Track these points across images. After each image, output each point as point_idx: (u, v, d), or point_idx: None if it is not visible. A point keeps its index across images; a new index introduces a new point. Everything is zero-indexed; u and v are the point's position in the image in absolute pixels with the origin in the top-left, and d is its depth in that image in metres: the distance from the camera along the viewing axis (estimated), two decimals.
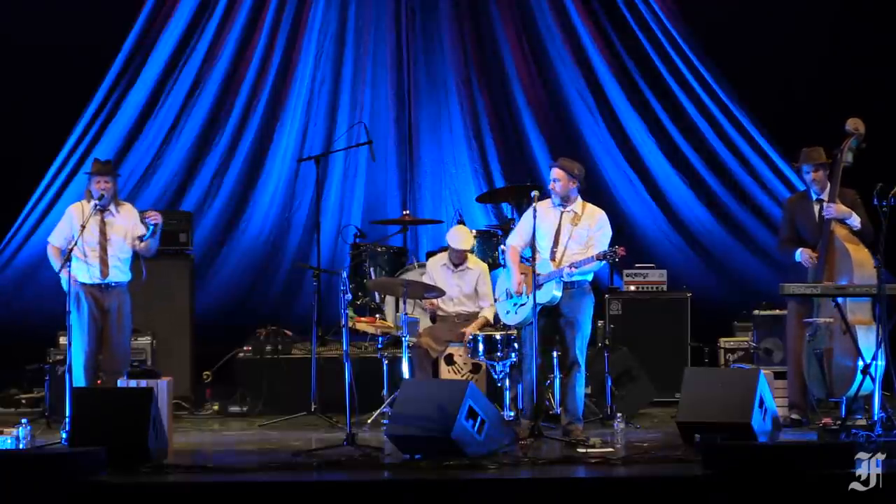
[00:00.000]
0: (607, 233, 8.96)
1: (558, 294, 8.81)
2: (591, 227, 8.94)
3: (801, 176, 9.30)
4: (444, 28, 12.68)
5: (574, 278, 8.79)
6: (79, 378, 8.99)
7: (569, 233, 8.89)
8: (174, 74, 12.34)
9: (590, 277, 8.97)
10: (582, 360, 8.94)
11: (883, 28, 11.70)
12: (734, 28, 12.01)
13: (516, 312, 9.07)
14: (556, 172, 8.99)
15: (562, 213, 8.97)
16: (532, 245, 8.92)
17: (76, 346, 8.99)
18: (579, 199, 9.02)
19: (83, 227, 9.06)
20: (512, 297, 9.07)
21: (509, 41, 12.61)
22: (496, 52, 12.63)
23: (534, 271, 8.78)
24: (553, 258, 8.88)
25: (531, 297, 8.80)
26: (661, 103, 12.37)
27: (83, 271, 9.07)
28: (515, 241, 9.12)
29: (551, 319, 8.88)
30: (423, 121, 12.69)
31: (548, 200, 9.07)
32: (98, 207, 9.19)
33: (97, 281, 9.15)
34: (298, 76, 12.58)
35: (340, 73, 12.64)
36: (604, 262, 8.75)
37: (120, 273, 9.22)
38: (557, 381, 9.43)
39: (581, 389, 8.98)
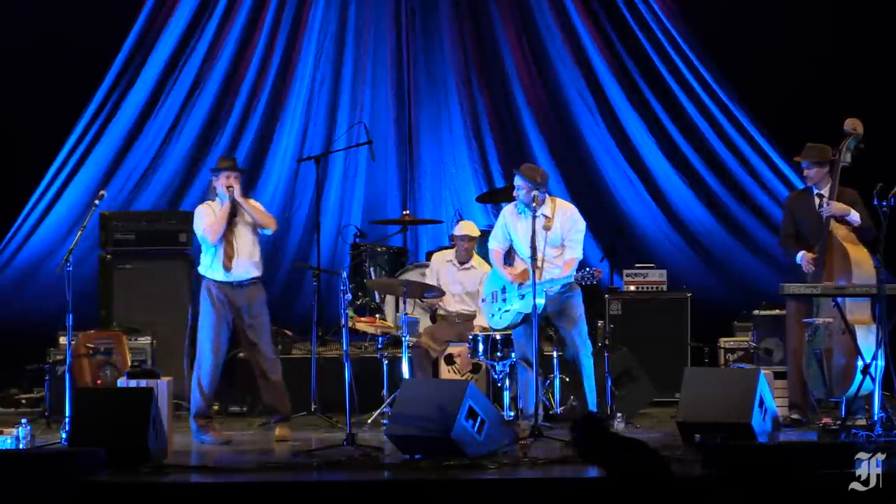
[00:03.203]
0: (581, 228, 9.05)
1: (541, 301, 8.82)
2: (564, 225, 8.97)
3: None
4: (444, 28, 12.68)
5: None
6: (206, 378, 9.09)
7: (544, 238, 8.88)
8: (174, 74, 12.34)
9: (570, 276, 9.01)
10: (586, 351, 9.01)
11: (882, 28, 11.69)
12: (734, 28, 12.01)
13: (500, 318, 9.09)
14: (517, 181, 9.01)
15: (533, 218, 8.93)
16: (511, 249, 9.12)
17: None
18: (548, 199, 9.04)
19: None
20: (496, 300, 9.05)
21: (509, 41, 12.61)
22: (496, 52, 12.63)
23: (533, 271, 8.80)
24: (533, 265, 8.88)
25: (513, 305, 8.94)
26: (661, 103, 12.37)
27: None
28: (496, 245, 9.19)
29: (540, 322, 8.88)
30: (423, 121, 12.70)
31: (514, 204, 9.13)
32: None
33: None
34: (298, 76, 12.58)
35: (340, 73, 12.64)
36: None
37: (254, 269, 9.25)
38: (557, 381, 9.49)
39: (591, 382, 9.06)
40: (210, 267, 9.16)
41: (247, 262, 9.14)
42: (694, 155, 12.35)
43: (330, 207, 12.43)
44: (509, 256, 9.30)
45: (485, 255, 10.63)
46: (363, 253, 11.09)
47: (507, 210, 9.24)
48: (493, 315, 9.15)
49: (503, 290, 9.11)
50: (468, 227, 10.33)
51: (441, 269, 10.26)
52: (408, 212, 11.92)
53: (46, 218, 12.05)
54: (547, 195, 9.08)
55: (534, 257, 8.73)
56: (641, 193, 12.41)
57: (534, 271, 8.68)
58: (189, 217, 11.02)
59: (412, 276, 10.50)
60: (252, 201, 9.33)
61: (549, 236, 8.90)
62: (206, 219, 9.16)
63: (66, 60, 11.73)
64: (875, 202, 8.37)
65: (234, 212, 9.13)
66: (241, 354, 10.59)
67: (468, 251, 10.23)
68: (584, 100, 12.51)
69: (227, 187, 9.10)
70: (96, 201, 9.17)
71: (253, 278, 9.16)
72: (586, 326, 9.11)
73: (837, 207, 8.94)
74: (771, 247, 11.77)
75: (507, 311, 8.98)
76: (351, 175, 12.60)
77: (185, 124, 12.39)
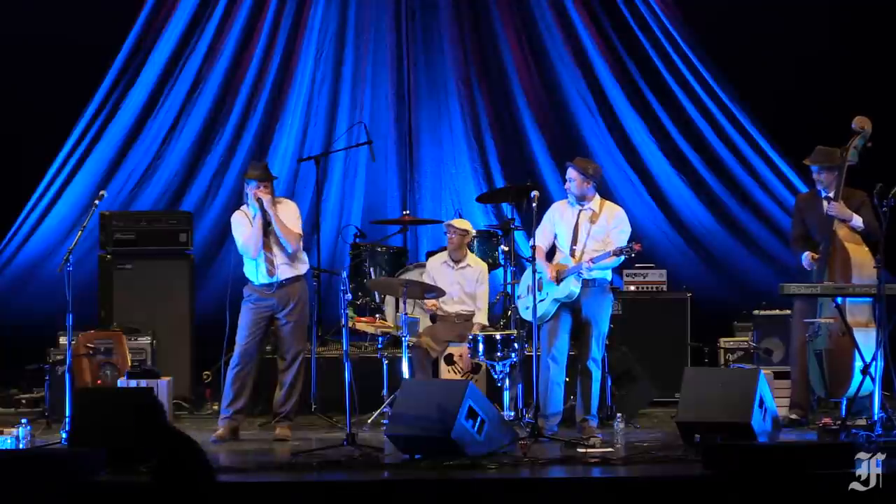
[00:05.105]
0: (625, 230, 9.02)
1: (576, 289, 8.86)
2: (609, 224, 8.99)
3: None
4: (444, 28, 12.68)
5: (593, 275, 8.88)
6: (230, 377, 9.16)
7: (587, 231, 8.96)
8: (174, 74, 12.35)
9: (609, 276, 9.09)
10: (599, 357, 9.02)
11: (884, 27, 11.70)
12: (734, 28, 12.01)
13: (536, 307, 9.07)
14: (570, 172, 9.06)
15: (580, 211, 9.04)
16: (555, 246, 9.08)
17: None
18: (597, 197, 9.09)
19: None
20: (531, 293, 9.01)
21: (509, 41, 12.61)
22: (496, 52, 12.63)
23: (533, 270, 8.82)
24: (572, 255, 8.93)
25: (549, 292, 8.91)
26: (661, 103, 12.37)
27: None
28: (539, 240, 9.13)
29: (570, 317, 8.93)
30: (423, 121, 12.69)
31: (566, 199, 9.13)
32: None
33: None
34: (298, 76, 12.58)
35: (340, 73, 12.64)
36: (622, 257, 8.79)
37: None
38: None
39: (597, 387, 9.04)
40: (251, 271, 9.24)
41: (287, 266, 9.18)
42: (694, 155, 12.35)
43: (330, 207, 12.43)
44: (552, 254, 9.25)
45: (482, 256, 10.65)
46: (363, 253, 11.08)
47: (558, 204, 9.25)
48: (527, 307, 9.07)
49: (540, 282, 9.08)
50: (459, 221, 10.35)
51: (437, 271, 10.25)
52: (408, 212, 11.91)
53: (46, 218, 12.05)
54: (597, 194, 9.11)
55: (574, 243, 8.85)
56: (641, 193, 12.41)
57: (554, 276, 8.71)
58: (189, 217, 11.08)
59: (412, 276, 10.50)
60: (284, 206, 9.25)
61: (593, 229, 8.95)
62: (244, 230, 9.18)
63: (66, 60, 11.72)
64: (875, 202, 8.37)
65: (268, 220, 9.16)
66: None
67: (456, 244, 10.20)
68: (584, 100, 12.51)
69: (256, 199, 9.13)
70: (96, 201, 9.17)
71: (293, 277, 9.21)
72: (607, 331, 9.11)
73: (840, 209, 8.93)
74: (771, 247, 11.78)
75: (542, 300, 8.96)
76: (351, 175, 12.60)
77: (185, 124, 12.39)
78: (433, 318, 10.29)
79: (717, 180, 12.32)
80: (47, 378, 10.04)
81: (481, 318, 10.12)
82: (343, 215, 12.50)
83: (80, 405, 8.16)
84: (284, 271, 9.17)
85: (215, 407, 10.38)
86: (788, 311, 9.52)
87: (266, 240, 9.15)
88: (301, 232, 9.28)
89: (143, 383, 8.61)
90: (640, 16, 12.35)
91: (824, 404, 9.40)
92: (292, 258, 9.19)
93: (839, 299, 8.63)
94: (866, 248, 8.87)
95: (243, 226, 9.22)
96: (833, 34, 11.80)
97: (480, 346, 9.59)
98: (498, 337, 9.58)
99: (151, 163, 12.30)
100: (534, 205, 8.98)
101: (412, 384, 8.96)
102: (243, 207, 9.30)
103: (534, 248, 9.01)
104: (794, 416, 9.14)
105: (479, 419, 7.97)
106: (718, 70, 12.18)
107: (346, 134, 11.63)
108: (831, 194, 9.06)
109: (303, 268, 9.27)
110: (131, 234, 10.81)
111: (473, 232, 10.55)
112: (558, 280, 8.93)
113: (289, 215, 9.23)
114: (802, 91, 11.69)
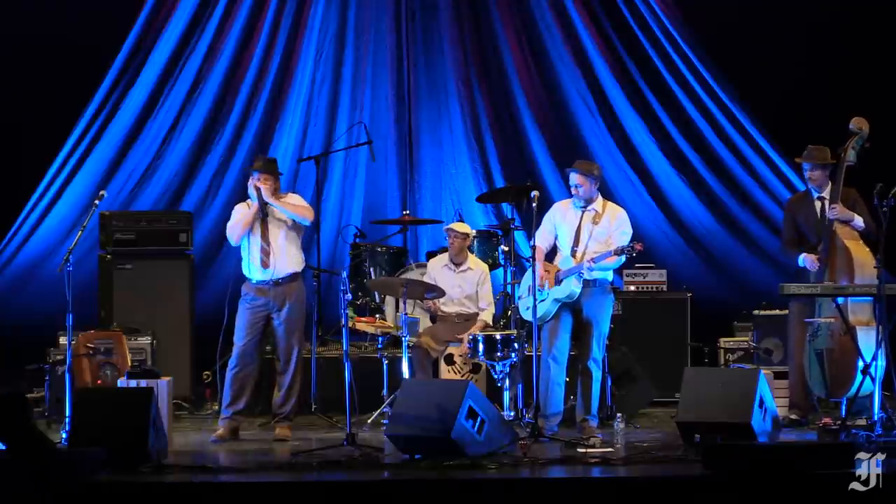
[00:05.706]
0: (627, 231, 9.01)
1: (577, 289, 8.85)
2: (611, 225, 8.99)
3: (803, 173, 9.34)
4: (444, 28, 12.68)
5: (594, 276, 8.87)
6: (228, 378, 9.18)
7: (589, 231, 8.96)
8: (174, 74, 12.35)
9: (610, 276, 9.08)
10: (600, 357, 9.02)
11: (884, 27, 11.70)
12: (734, 28, 12.02)
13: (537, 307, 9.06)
14: (577, 178, 9.01)
15: (583, 212, 9.02)
16: (555, 244, 9.08)
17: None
18: (599, 198, 9.08)
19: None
20: (531, 293, 9.01)
21: (509, 41, 12.61)
22: (496, 52, 12.63)
23: (533, 271, 8.82)
24: (574, 256, 8.93)
25: (550, 292, 8.91)
26: (661, 103, 12.38)
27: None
28: (540, 241, 9.13)
29: (570, 317, 8.93)
30: (423, 121, 12.69)
31: (569, 200, 9.12)
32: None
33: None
34: (298, 76, 12.58)
35: (340, 74, 12.64)
36: (623, 256, 8.77)
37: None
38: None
39: (597, 387, 9.03)
40: (247, 267, 9.24)
41: (284, 259, 9.18)
42: (694, 155, 12.36)
43: (330, 207, 12.43)
44: (553, 255, 9.24)
45: (482, 256, 10.66)
46: (363, 253, 11.09)
47: (559, 204, 9.24)
48: (527, 308, 9.05)
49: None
50: (459, 225, 10.35)
51: (438, 273, 10.24)
52: (408, 212, 11.91)
53: (46, 218, 12.06)
54: (599, 195, 9.11)
55: (576, 244, 8.86)
56: (641, 193, 12.41)
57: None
58: (189, 217, 11.09)
59: (412, 276, 10.50)
60: (288, 196, 9.31)
61: (595, 230, 8.95)
62: (233, 218, 9.24)
63: (67, 60, 11.72)
64: (875, 202, 8.38)
65: (265, 211, 9.15)
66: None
67: (457, 248, 10.20)
68: (584, 100, 12.51)
69: (255, 188, 9.14)
70: (96, 201, 9.17)
71: (291, 274, 9.20)
72: (607, 332, 9.11)
73: (842, 212, 8.94)
74: (771, 247, 11.78)
75: (542, 300, 8.96)
76: (351, 175, 12.60)
77: (185, 124, 12.39)
78: (433, 318, 10.29)
79: (717, 180, 12.32)
80: (47, 378, 10.04)
81: (487, 316, 10.10)
82: (343, 215, 12.51)
83: (80, 405, 8.15)
84: (279, 265, 9.15)
85: (215, 407, 10.38)
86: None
87: (263, 229, 9.15)
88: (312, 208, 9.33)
89: (143, 383, 8.60)
90: (640, 16, 12.36)
91: (824, 404, 9.40)
92: (289, 254, 9.19)
93: (840, 299, 8.64)
94: (867, 248, 8.88)
95: (239, 213, 9.25)
96: (833, 34, 11.80)
97: (480, 346, 9.59)
98: (498, 337, 9.58)
99: (151, 163, 12.31)
100: (534, 205, 8.97)
101: (412, 384, 8.96)
102: (247, 200, 9.32)
103: (534, 248, 9.01)
104: (793, 416, 9.15)
105: (479, 419, 7.97)
106: (718, 70, 12.18)
107: (346, 134, 11.64)
108: (824, 193, 9.09)
109: (298, 264, 9.27)
110: (131, 234, 10.80)
111: (473, 234, 10.57)
112: (556, 281, 8.94)
113: (295, 200, 9.29)
114: (802, 91, 11.69)
